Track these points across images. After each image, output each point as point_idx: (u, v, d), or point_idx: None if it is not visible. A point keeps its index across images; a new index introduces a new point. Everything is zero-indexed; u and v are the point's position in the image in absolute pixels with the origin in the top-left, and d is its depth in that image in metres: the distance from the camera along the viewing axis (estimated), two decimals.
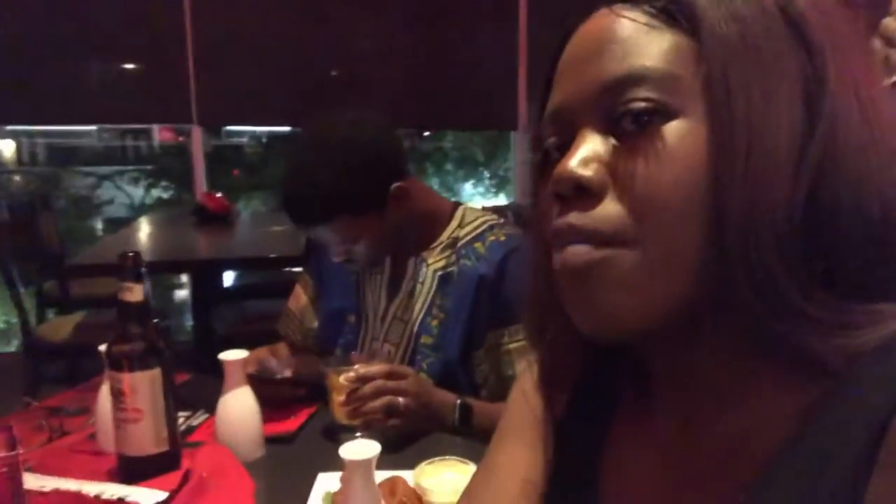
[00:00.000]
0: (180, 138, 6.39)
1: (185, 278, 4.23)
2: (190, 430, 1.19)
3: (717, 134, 0.41)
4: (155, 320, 1.00)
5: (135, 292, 0.98)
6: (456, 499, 0.93)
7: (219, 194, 3.46)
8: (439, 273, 1.30)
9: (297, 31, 3.97)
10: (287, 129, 6.19)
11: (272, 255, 2.67)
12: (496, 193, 6.27)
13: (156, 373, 0.99)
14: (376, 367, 1.13)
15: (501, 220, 1.34)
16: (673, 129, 0.42)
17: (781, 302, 0.40)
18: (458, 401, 1.18)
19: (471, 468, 0.99)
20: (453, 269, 1.29)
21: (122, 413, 0.99)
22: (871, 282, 0.42)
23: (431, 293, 1.30)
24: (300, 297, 1.53)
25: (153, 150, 6.55)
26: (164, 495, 0.92)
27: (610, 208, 0.43)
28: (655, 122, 0.42)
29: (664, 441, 0.51)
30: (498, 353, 1.24)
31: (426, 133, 5.93)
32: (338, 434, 1.16)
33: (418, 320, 1.31)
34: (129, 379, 0.98)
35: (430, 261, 1.31)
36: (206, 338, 2.64)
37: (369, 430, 1.13)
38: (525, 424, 0.62)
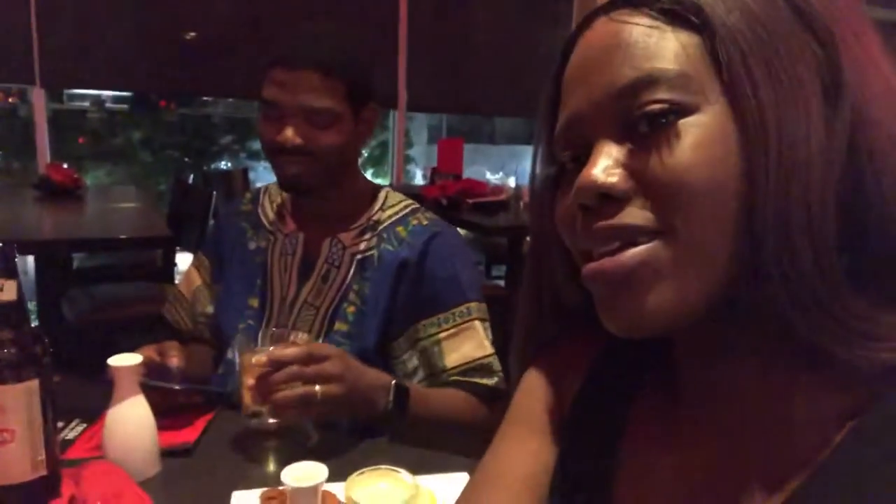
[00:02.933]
0: (10, 99, 5.70)
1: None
2: (66, 444, 1.02)
3: (746, 123, 0.40)
4: (33, 324, 0.83)
5: (7, 290, 0.80)
6: None
7: (65, 165, 3.09)
8: (358, 257, 1.21)
9: None
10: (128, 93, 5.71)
11: (124, 236, 2.45)
12: (373, 173, 6.17)
13: (32, 385, 0.83)
14: (292, 350, 0.98)
15: (421, 206, 1.29)
16: (691, 123, 0.41)
17: (810, 297, 0.40)
18: (394, 381, 1.08)
19: (403, 478, 0.92)
20: (373, 252, 1.21)
21: None
22: None
23: (349, 278, 1.21)
24: (193, 279, 1.39)
25: None
26: None
27: (636, 211, 0.43)
28: (671, 120, 0.42)
29: (689, 442, 0.50)
30: (427, 343, 1.18)
31: None
32: (248, 421, 1.06)
33: (332, 306, 1.21)
34: None
35: (347, 243, 1.22)
36: (56, 326, 2.35)
37: (282, 419, 1.04)
38: (533, 414, 0.60)
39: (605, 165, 0.44)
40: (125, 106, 6.35)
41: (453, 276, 1.20)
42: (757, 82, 0.40)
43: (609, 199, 0.43)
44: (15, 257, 0.82)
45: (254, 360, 1.01)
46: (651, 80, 0.42)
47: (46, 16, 3.30)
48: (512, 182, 4.00)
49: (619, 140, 0.44)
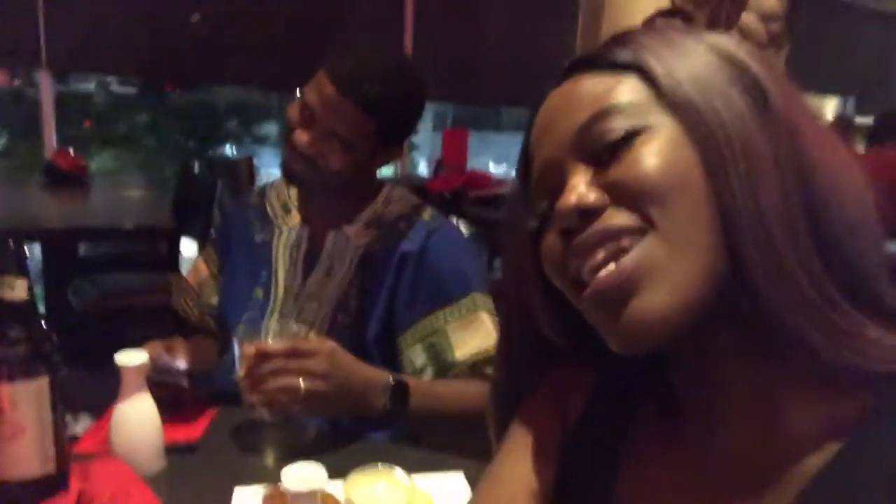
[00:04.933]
0: (15, 81, 5.70)
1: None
2: (73, 438, 1.04)
3: (692, 128, 0.46)
4: (42, 321, 0.85)
5: (17, 288, 0.82)
6: None
7: (71, 150, 3.10)
8: (361, 250, 1.24)
9: None
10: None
11: (130, 226, 2.47)
12: None
13: (42, 382, 0.85)
14: (277, 345, 1.02)
15: (424, 203, 1.31)
16: (647, 138, 0.47)
17: (788, 278, 0.43)
18: (392, 379, 1.08)
19: (399, 478, 0.94)
20: (375, 246, 1.23)
21: None
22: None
23: (352, 271, 1.24)
24: (200, 270, 1.42)
25: None
26: None
27: (613, 213, 0.47)
28: (630, 142, 0.47)
29: (687, 451, 0.52)
30: (434, 339, 1.19)
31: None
32: (249, 413, 1.07)
33: (336, 298, 1.23)
34: (8, 390, 0.83)
35: (351, 236, 1.25)
36: (62, 316, 2.38)
37: (275, 413, 1.05)
38: (534, 436, 0.61)
39: (579, 187, 0.48)
40: (131, 89, 6.35)
41: (456, 270, 1.22)
42: (691, 95, 0.47)
43: (588, 214, 0.47)
44: (26, 256, 0.84)
45: (245, 350, 1.03)
46: (606, 113, 0.48)
47: None
48: None
49: (586, 166, 0.49)
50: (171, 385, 1.11)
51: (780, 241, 0.43)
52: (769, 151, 0.45)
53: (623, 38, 0.52)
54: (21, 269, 0.83)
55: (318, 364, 1.02)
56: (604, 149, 0.48)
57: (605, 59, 0.51)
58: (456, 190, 3.40)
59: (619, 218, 0.46)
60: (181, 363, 1.15)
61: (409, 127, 1.25)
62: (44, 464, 0.86)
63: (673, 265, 0.45)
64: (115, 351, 0.99)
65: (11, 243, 0.83)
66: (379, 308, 1.22)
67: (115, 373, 0.98)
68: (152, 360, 1.13)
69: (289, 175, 1.22)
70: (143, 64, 3.81)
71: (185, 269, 2.75)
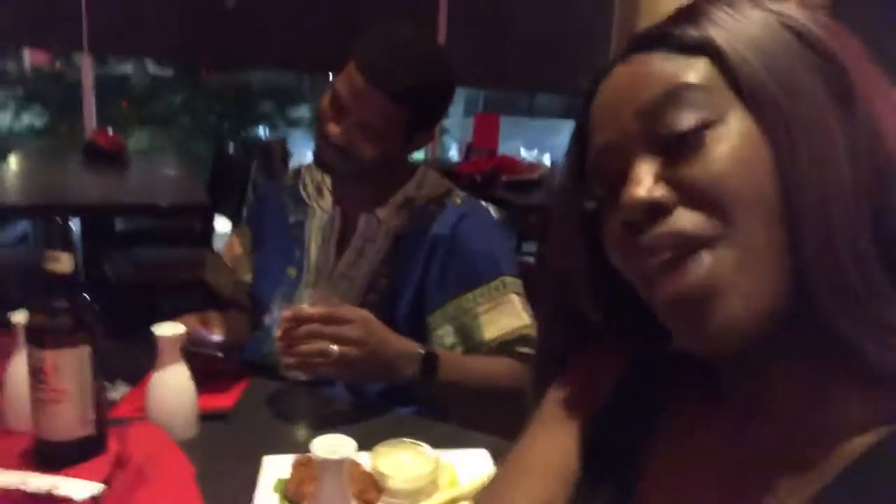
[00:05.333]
0: (57, 63, 5.82)
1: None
2: (111, 404, 1.09)
3: (767, 124, 0.43)
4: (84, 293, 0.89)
5: (63, 262, 0.86)
6: (413, 486, 0.92)
7: (110, 130, 3.18)
8: (392, 233, 1.26)
9: None
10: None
11: (166, 205, 2.53)
12: None
13: (85, 350, 0.89)
14: (313, 309, 1.05)
15: (455, 187, 1.32)
16: (720, 133, 0.44)
17: (850, 291, 0.42)
18: (422, 350, 1.11)
19: (425, 451, 0.96)
20: (407, 228, 1.25)
21: (41, 393, 0.88)
22: None
23: (383, 252, 1.26)
24: (234, 248, 1.46)
25: (23, 73, 5.93)
26: (97, 487, 0.83)
27: (684, 215, 0.44)
28: (700, 133, 0.44)
29: (722, 435, 0.52)
30: (465, 320, 1.21)
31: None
32: (285, 373, 1.11)
33: (367, 279, 1.26)
34: (52, 357, 0.87)
35: (383, 218, 1.27)
36: (99, 287, 2.45)
37: (308, 374, 1.08)
38: (566, 409, 0.61)
39: (647, 179, 0.45)
40: (167, 71, 6.43)
41: (487, 252, 1.23)
42: (769, 87, 0.44)
43: (655, 211, 0.45)
44: (71, 232, 0.87)
45: (284, 312, 1.06)
46: (676, 94, 0.45)
47: None
48: (547, 159, 3.98)
49: (653, 156, 0.46)
50: (206, 356, 1.14)
51: (845, 253, 0.41)
52: (848, 154, 0.42)
53: (691, 13, 0.48)
54: (67, 244, 0.87)
55: (352, 330, 1.04)
56: (672, 139, 0.45)
57: (672, 37, 0.47)
58: (486, 174, 3.40)
59: (689, 221, 0.44)
60: (216, 336, 1.19)
61: (440, 113, 1.26)
62: (84, 426, 0.91)
63: (747, 274, 0.43)
64: (149, 322, 1.02)
65: (59, 220, 0.86)
66: (409, 289, 1.24)
67: (149, 343, 1.02)
68: (188, 332, 1.17)
69: (321, 165, 1.24)
70: (180, 47, 3.87)
71: (217, 245, 2.81)
